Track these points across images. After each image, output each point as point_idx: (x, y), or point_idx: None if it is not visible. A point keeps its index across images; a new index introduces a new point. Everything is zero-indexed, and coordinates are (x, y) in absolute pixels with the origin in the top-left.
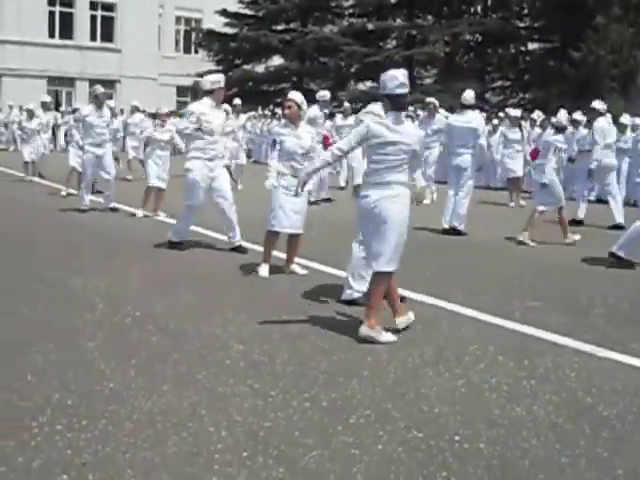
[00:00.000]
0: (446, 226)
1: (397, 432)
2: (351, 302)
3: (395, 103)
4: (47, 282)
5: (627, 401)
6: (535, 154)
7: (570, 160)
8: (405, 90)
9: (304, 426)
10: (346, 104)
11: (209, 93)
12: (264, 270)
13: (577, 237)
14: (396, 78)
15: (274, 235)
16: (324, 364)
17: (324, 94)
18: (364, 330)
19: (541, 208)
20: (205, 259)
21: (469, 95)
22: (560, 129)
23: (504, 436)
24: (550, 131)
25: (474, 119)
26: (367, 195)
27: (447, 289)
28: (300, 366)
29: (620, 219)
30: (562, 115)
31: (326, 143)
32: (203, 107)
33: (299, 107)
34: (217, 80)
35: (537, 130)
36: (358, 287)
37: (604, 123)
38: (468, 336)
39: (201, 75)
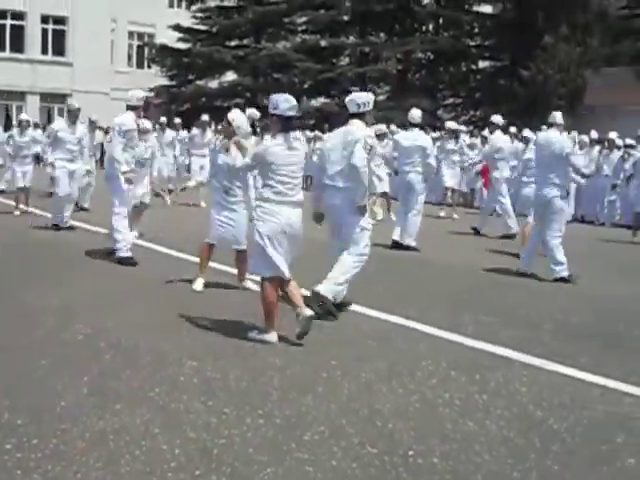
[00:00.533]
0: (396, 238)
1: (351, 448)
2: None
3: (285, 124)
4: None
5: (576, 414)
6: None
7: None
8: (295, 113)
9: (258, 443)
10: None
11: (134, 108)
12: (199, 284)
13: None
14: (289, 101)
15: (210, 248)
16: (277, 380)
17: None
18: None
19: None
20: (157, 274)
21: (416, 114)
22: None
23: (457, 451)
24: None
25: (420, 137)
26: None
27: (400, 305)
28: (253, 382)
29: (515, 228)
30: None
31: None
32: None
33: (230, 124)
34: (142, 97)
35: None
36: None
37: (500, 136)
38: (421, 351)
39: (153, 90)
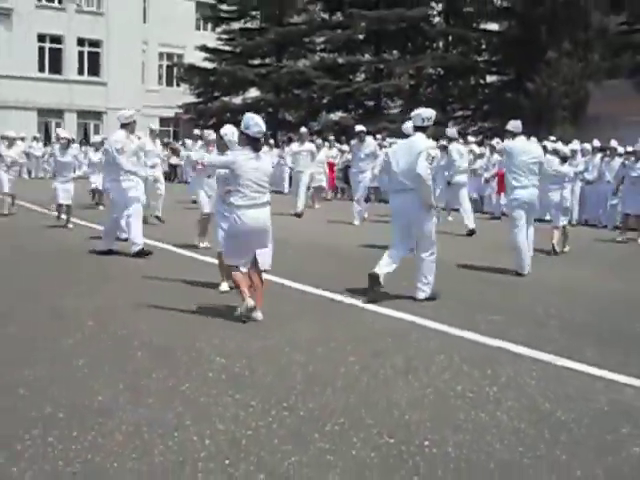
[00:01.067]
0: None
1: (370, 438)
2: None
3: (254, 144)
4: (41, 303)
5: (582, 406)
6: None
7: None
8: (261, 135)
9: (283, 434)
10: (302, 129)
11: (124, 126)
12: (224, 286)
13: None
14: (258, 125)
15: None
16: (300, 375)
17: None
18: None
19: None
20: (186, 279)
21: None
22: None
23: (470, 440)
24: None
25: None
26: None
27: (416, 304)
28: (278, 377)
29: (472, 225)
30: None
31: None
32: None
33: (222, 139)
34: (130, 115)
35: (496, 156)
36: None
37: (459, 146)
38: (434, 347)
39: (182, 107)
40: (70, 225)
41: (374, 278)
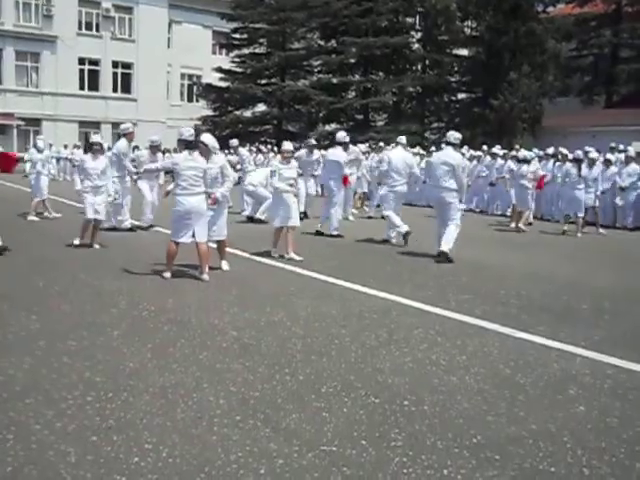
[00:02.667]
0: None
1: (358, 399)
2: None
3: (188, 145)
4: (81, 284)
5: (538, 372)
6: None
7: (491, 184)
8: (192, 139)
9: (285, 395)
10: (312, 141)
11: (125, 135)
12: (225, 265)
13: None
14: (189, 132)
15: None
16: (300, 345)
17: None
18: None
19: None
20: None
21: (341, 134)
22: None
23: (442, 400)
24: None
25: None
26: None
27: (397, 286)
28: (281, 347)
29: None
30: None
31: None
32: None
33: (206, 146)
34: (127, 127)
35: (466, 161)
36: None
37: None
38: (414, 322)
39: (200, 119)
40: (96, 245)
41: (444, 254)
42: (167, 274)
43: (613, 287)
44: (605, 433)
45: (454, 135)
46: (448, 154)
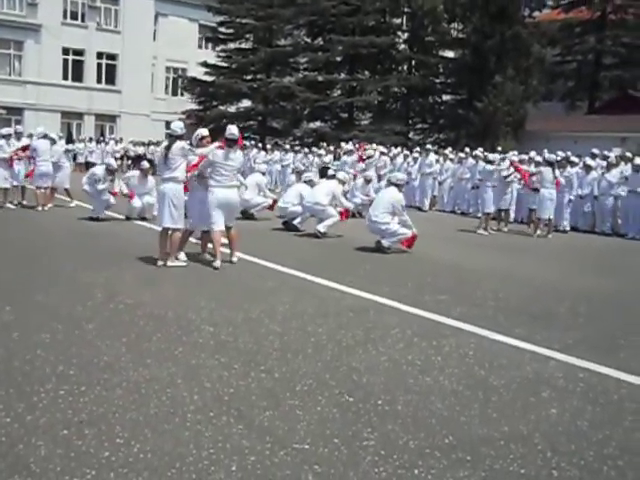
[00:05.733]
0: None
1: (333, 397)
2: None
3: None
4: (59, 275)
5: (511, 373)
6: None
7: (474, 187)
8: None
9: (260, 392)
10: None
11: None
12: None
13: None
14: (177, 125)
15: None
16: (277, 343)
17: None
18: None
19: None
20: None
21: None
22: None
23: (416, 400)
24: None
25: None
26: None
27: (375, 285)
28: (258, 344)
29: None
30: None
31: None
32: None
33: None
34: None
35: (448, 163)
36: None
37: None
38: (390, 322)
39: (185, 113)
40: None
41: None
42: (217, 262)
43: (590, 290)
44: (575, 436)
45: None
46: None
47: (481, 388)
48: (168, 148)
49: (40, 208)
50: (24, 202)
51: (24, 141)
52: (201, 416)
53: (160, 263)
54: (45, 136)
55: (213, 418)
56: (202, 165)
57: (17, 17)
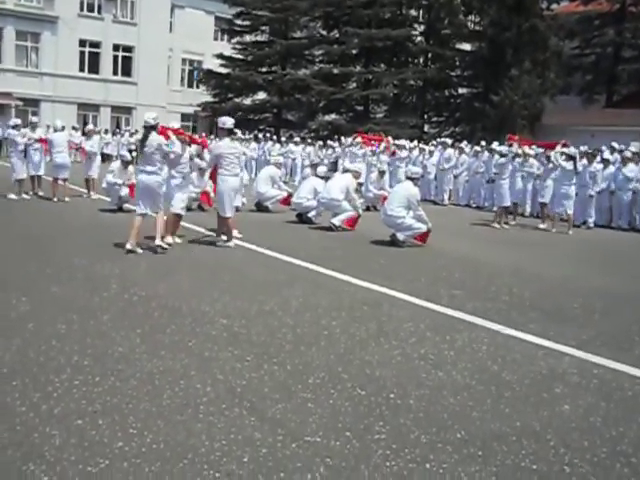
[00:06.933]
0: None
1: (345, 390)
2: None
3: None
4: (75, 266)
5: (525, 369)
6: None
7: (489, 181)
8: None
9: (272, 385)
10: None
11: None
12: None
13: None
14: (154, 119)
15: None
16: (289, 336)
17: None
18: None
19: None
20: (197, 251)
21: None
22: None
23: (429, 395)
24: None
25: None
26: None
27: (389, 279)
28: (271, 337)
29: None
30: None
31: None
32: None
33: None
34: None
35: (464, 156)
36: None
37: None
38: (404, 316)
39: (200, 105)
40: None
41: None
42: (231, 243)
43: (605, 286)
44: (588, 432)
45: None
46: None
47: (494, 383)
48: (143, 140)
49: (56, 199)
50: (40, 192)
51: (39, 132)
52: (214, 408)
53: (129, 247)
54: (63, 128)
55: (225, 410)
56: (211, 159)
57: (34, 9)
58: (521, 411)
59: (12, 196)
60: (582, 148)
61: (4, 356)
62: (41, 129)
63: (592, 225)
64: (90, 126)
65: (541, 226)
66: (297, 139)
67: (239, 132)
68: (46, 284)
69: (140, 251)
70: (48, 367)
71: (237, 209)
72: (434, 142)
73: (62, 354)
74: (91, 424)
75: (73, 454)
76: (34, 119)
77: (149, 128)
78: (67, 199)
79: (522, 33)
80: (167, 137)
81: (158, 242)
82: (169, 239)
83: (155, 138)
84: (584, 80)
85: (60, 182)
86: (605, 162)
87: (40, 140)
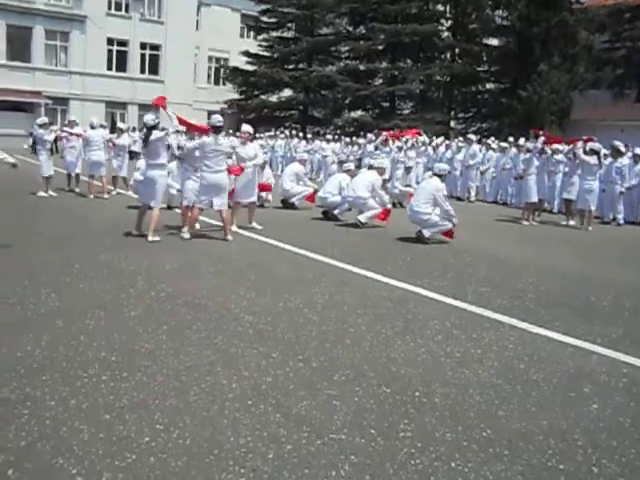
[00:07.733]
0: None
1: (370, 388)
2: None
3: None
4: (102, 263)
5: (552, 368)
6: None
7: (517, 177)
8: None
9: (297, 381)
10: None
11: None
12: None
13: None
14: (153, 120)
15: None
16: (315, 333)
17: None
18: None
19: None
20: (224, 248)
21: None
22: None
23: (454, 393)
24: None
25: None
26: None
27: (414, 276)
28: (296, 334)
29: None
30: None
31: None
32: None
33: (250, 134)
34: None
35: (491, 152)
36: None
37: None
38: (430, 313)
39: (227, 103)
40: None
41: None
42: (229, 237)
43: (634, 284)
44: (617, 432)
45: None
46: None
47: (520, 382)
48: (146, 139)
49: (92, 196)
50: (77, 189)
51: (77, 129)
52: (239, 404)
53: (135, 233)
54: (101, 126)
55: (251, 406)
56: (188, 150)
57: (63, 8)
58: (548, 410)
59: (42, 193)
60: (616, 143)
61: (34, 351)
62: (78, 127)
63: (622, 222)
64: (121, 124)
65: (571, 222)
66: (328, 136)
67: (287, 132)
68: (74, 280)
69: (187, 236)
70: (76, 362)
71: (262, 205)
72: (460, 138)
73: (90, 350)
74: (118, 419)
75: (101, 448)
76: (72, 117)
77: (150, 128)
78: (106, 196)
79: (551, 27)
80: (165, 107)
81: (150, 238)
82: (234, 228)
83: (155, 134)
84: (614, 74)
85: (96, 181)
86: (636, 158)
87: (77, 135)
